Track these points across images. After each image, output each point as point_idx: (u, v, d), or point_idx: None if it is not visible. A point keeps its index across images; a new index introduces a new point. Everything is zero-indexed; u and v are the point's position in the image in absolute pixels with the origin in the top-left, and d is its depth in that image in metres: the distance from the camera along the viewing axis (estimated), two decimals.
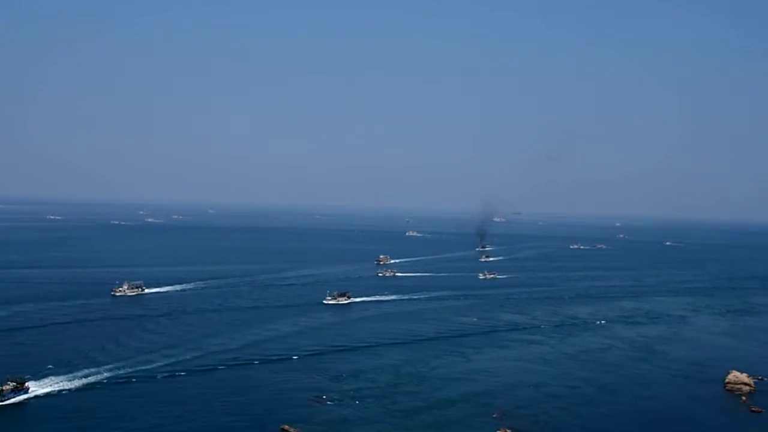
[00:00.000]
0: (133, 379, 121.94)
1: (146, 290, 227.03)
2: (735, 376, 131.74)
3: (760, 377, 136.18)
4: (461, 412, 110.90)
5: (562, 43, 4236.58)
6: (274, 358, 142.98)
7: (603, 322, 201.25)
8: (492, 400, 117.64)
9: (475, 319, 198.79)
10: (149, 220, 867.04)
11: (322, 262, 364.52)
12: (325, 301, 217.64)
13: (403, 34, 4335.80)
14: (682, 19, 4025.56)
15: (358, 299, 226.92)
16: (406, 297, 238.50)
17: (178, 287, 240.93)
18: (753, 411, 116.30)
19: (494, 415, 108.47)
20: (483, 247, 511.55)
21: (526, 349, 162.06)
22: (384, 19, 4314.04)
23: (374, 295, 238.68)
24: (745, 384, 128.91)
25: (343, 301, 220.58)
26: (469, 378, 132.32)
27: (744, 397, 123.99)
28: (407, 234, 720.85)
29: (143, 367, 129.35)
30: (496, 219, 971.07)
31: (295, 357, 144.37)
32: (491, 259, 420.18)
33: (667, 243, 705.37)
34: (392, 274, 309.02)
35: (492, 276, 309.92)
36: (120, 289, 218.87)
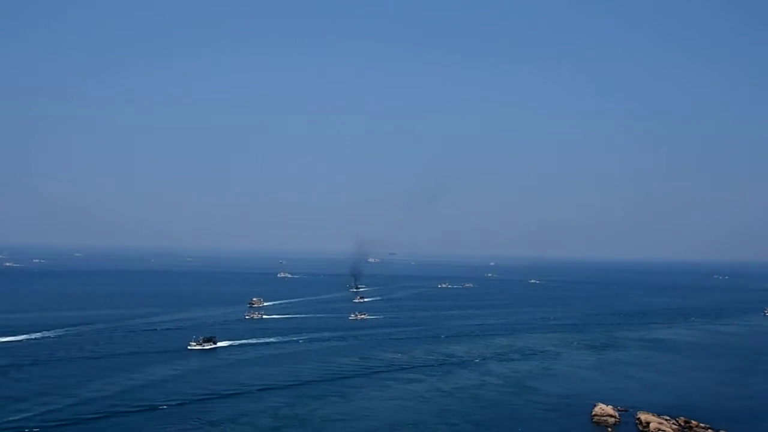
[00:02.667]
0: None
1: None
2: (601, 408, 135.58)
3: (624, 408, 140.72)
4: None
5: (433, 87, 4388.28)
6: (135, 409, 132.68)
7: (478, 359, 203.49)
8: None
9: (355, 360, 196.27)
10: (7, 264, 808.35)
11: (192, 305, 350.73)
12: (189, 347, 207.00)
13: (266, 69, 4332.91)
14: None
15: (225, 343, 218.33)
16: (276, 340, 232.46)
17: (34, 335, 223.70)
18: None
19: None
20: (357, 287, 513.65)
21: (404, 387, 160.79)
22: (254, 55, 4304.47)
23: (243, 338, 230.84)
24: (611, 416, 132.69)
25: (209, 346, 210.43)
26: (349, 419, 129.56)
27: (609, 429, 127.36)
28: (279, 275, 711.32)
29: None
30: (371, 260, 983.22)
31: (163, 406, 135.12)
32: (366, 299, 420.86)
33: (531, 281, 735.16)
34: (259, 316, 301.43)
35: (363, 316, 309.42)
36: None
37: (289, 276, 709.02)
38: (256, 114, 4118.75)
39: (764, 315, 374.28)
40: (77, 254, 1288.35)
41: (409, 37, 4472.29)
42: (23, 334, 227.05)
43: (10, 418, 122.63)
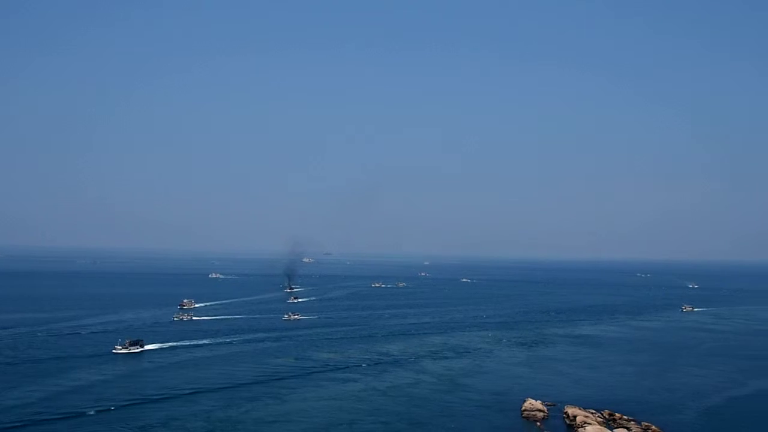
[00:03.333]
0: None
1: None
2: (530, 403, 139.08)
3: (552, 403, 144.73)
4: None
5: (361, 89, 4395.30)
6: (60, 416, 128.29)
7: (412, 358, 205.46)
8: None
9: (290, 360, 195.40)
10: None
11: (120, 307, 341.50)
12: (114, 351, 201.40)
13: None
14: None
15: (153, 346, 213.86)
16: (207, 341, 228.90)
17: None
18: None
19: None
20: (291, 288, 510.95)
21: (339, 387, 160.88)
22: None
23: (172, 341, 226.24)
24: (539, 410, 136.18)
25: (135, 349, 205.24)
26: (283, 420, 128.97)
27: (539, 423, 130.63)
28: (211, 276, 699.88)
29: None
30: (306, 260, 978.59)
31: (90, 412, 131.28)
32: (300, 300, 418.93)
33: (463, 280, 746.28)
34: (189, 318, 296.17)
35: (296, 317, 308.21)
36: None
37: (222, 277, 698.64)
38: (179, 110, 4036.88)
39: (682, 311, 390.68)
40: None
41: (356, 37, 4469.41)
42: None
43: None
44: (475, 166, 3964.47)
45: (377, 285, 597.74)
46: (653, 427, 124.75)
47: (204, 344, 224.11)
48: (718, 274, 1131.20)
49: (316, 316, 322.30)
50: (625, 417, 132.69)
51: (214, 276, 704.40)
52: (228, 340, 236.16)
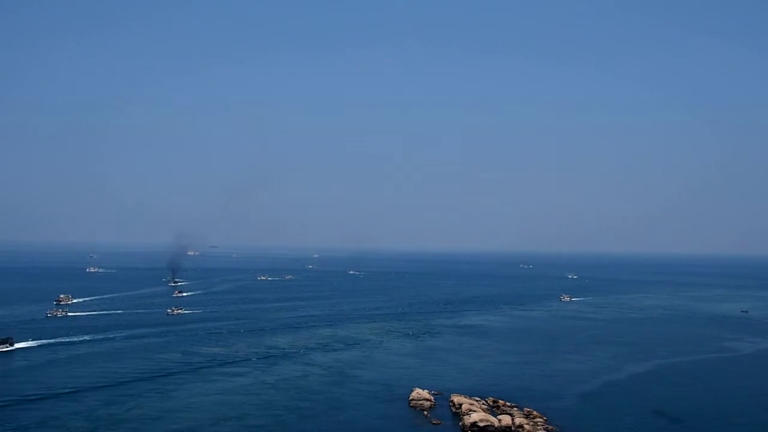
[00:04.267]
0: None
1: None
2: (417, 393, 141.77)
3: (438, 392, 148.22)
4: None
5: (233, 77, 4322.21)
6: None
7: (301, 350, 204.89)
8: None
9: (176, 356, 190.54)
10: None
11: None
12: None
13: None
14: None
15: (26, 344, 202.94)
16: (83, 338, 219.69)
17: None
18: (433, 424, 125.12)
19: None
20: (175, 281, 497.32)
21: (228, 381, 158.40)
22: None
23: (46, 338, 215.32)
24: (426, 399, 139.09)
25: (4, 348, 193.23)
26: (169, 416, 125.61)
27: (426, 412, 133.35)
28: (89, 270, 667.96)
29: None
30: (191, 252, 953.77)
31: None
32: (185, 294, 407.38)
33: (351, 272, 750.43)
34: (64, 314, 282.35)
35: (180, 311, 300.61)
36: None
37: (101, 271, 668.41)
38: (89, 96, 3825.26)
39: (560, 300, 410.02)
40: None
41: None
42: None
43: None
44: (364, 159, 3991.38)
45: (263, 278, 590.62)
46: (535, 412, 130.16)
47: (83, 341, 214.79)
48: (596, 264, 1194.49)
49: (201, 310, 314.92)
50: (508, 404, 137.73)
51: (92, 270, 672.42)
52: (109, 336, 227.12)
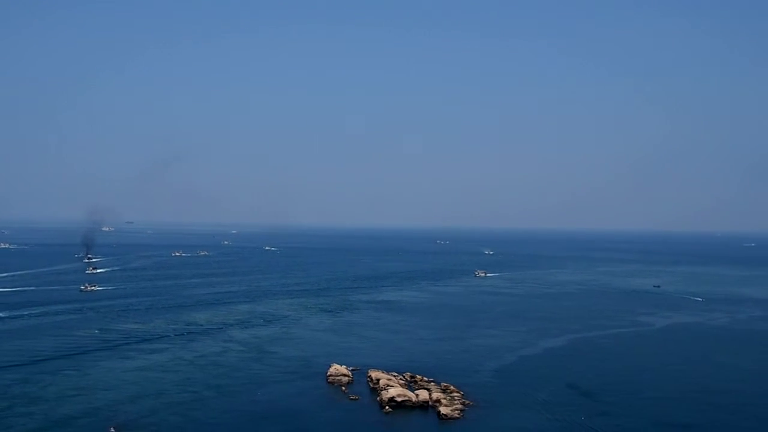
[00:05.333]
0: None
1: None
2: (335, 368, 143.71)
3: (356, 368, 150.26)
4: (79, 428, 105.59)
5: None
6: None
7: (219, 327, 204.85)
8: (111, 413, 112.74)
9: (91, 332, 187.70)
10: None
11: None
12: None
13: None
14: None
15: None
16: None
17: None
18: (351, 399, 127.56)
19: (111, 429, 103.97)
20: (89, 258, 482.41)
21: (146, 358, 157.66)
22: None
23: None
24: (344, 375, 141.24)
25: None
26: (86, 393, 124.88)
27: (343, 387, 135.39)
28: None
29: None
30: (105, 228, 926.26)
31: None
32: (99, 270, 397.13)
33: (266, 248, 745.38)
34: None
35: (94, 288, 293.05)
36: None
37: (11, 247, 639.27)
38: None
39: (475, 276, 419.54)
40: None
41: None
42: None
43: None
44: (284, 133, 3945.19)
45: (178, 254, 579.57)
46: (452, 387, 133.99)
47: None
48: (514, 241, 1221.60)
49: (117, 287, 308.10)
50: (425, 378, 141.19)
51: (2, 246, 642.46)
52: (21, 313, 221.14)
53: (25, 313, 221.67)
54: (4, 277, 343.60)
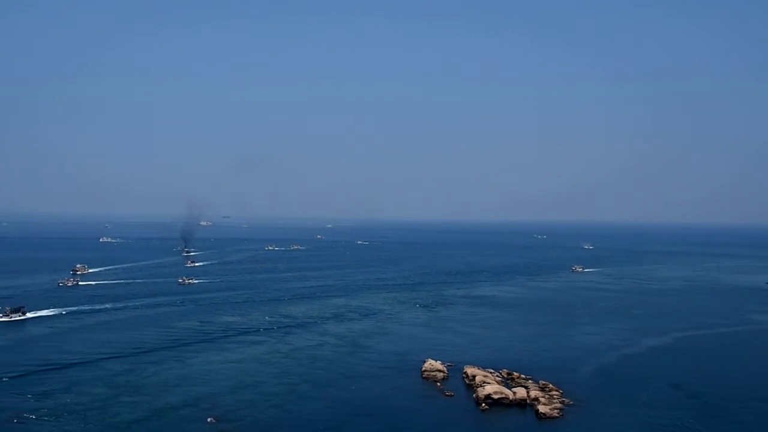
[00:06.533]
0: None
1: None
2: (430, 364, 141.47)
3: (451, 363, 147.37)
4: (180, 418, 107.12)
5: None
6: None
7: (315, 320, 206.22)
8: (210, 404, 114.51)
9: (192, 324, 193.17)
10: None
11: (0, 274, 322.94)
12: None
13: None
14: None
15: (39, 313, 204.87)
16: (99, 307, 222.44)
17: None
18: (446, 395, 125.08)
19: (209, 420, 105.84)
20: (188, 251, 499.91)
21: (244, 350, 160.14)
22: None
23: (58, 307, 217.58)
24: (439, 371, 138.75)
25: (17, 317, 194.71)
26: (186, 384, 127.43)
27: (438, 383, 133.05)
28: (102, 240, 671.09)
29: None
30: (204, 223, 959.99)
31: None
32: (197, 264, 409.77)
33: (359, 242, 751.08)
34: (75, 283, 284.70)
35: (191, 281, 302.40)
36: None
37: (114, 241, 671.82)
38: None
39: (572, 271, 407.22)
40: None
41: None
42: None
43: None
44: (379, 133, 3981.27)
45: (270, 248, 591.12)
46: (550, 385, 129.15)
47: (96, 309, 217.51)
48: (615, 234, 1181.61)
49: (213, 280, 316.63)
50: (523, 376, 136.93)
51: (105, 240, 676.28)
52: (124, 305, 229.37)
53: (129, 304, 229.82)
54: (108, 270, 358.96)
